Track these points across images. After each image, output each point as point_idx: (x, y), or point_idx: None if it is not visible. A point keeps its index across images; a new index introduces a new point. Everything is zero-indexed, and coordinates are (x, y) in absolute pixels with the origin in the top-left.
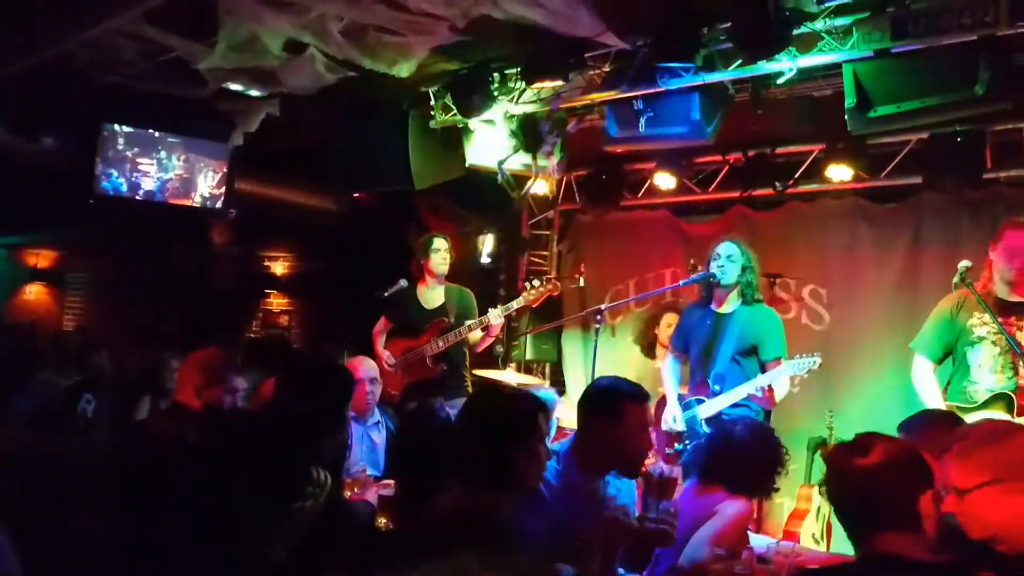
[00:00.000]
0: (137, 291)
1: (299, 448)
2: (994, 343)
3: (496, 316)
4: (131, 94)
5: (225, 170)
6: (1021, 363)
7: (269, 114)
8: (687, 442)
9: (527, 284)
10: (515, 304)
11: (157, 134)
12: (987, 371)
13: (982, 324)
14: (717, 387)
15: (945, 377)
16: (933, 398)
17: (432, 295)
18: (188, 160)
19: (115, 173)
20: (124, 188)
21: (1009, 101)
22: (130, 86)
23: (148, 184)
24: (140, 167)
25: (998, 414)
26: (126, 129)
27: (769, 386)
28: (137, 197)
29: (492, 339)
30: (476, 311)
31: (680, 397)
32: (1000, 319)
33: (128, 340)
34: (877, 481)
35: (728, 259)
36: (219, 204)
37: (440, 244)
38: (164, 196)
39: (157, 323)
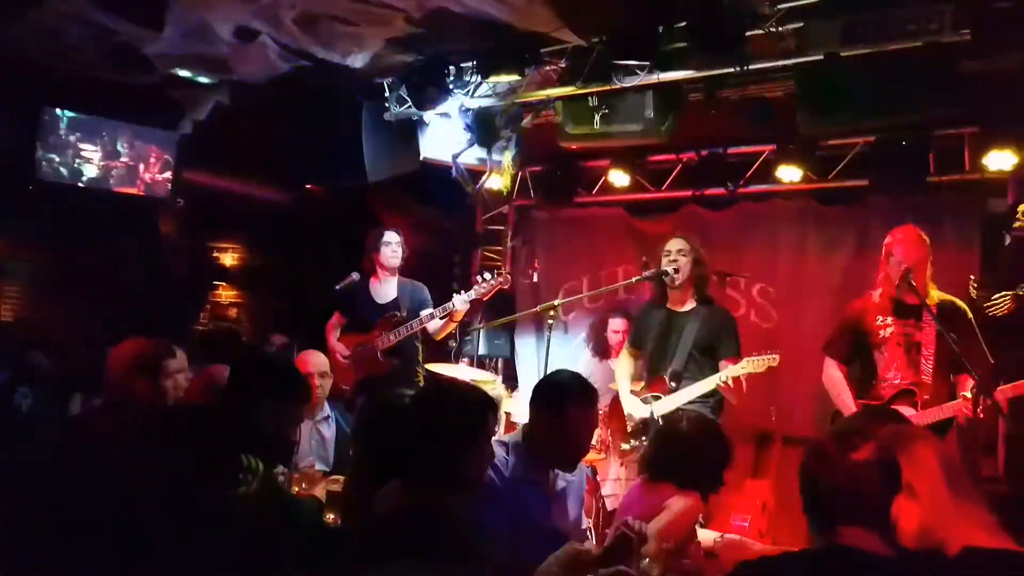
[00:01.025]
0: (79, 281)
1: (232, 440)
2: (898, 343)
3: (461, 302)
4: (75, 78)
5: (173, 158)
6: (922, 361)
7: (219, 102)
8: (642, 438)
9: (479, 277)
10: (465, 296)
11: (101, 120)
12: (892, 370)
13: (886, 326)
14: (673, 384)
15: (854, 377)
16: (843, 397)
17: (384, 289)
18: (134, 147)
19: (56, 159)
20: (66, 174)
21: (952, 108)
22: (74, 70)
23: (91, 171)
24: (83, 153)
25: (904, 408)
26: (68, 114)
27: (736, 377)
28: (80, 184)
29: (454, 324)
30: (431, 305)
31: (634, 394)
32: (901, 320)
33: (69, 332)
34: (866, 477)
35: (679, 253)
36: (166, 193)
37: (391, 237)
38: (108, 184)
39: (100, 315)
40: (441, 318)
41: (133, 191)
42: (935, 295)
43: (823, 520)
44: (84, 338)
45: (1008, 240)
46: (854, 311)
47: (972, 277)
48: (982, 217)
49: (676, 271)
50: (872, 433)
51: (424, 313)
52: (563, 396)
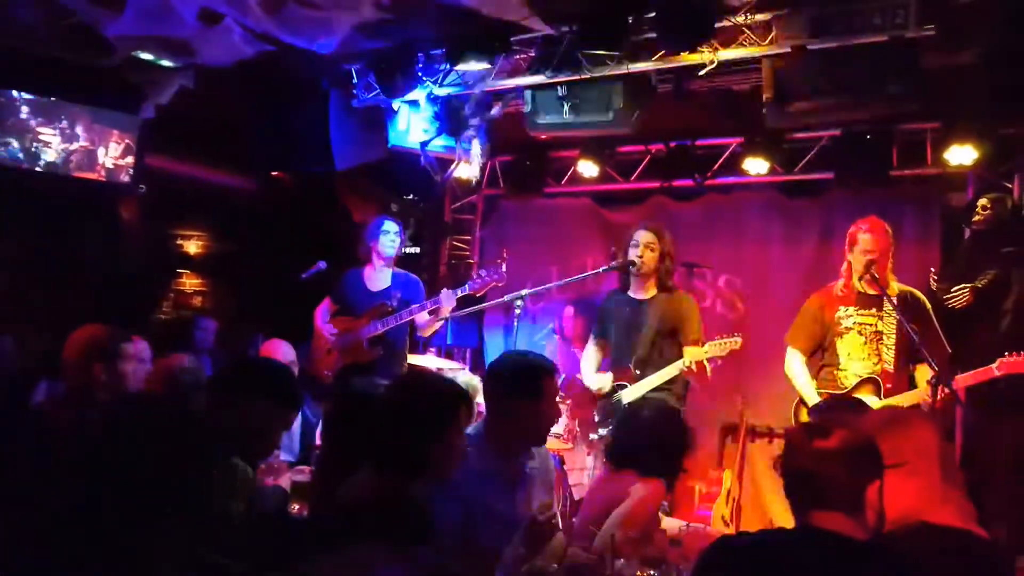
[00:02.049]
0: (36, 269)
1: (219, 438)
2: (859, 333)
3: (448, 297)
4: (33, 60)
5: (134, 143)
6: (884, 350)
7: (183, 86)
8: (609, 427)
9: (475, 274)
10: (458, 292)
11: (60, 103)
12: (855, 359)
13: (848, 316)
14: (638, 372)
15: (816, 366)
16: (806, 387)
17: (379, 278)
18: (94, 131)
19: (14, 142)
20: (23, 158)
21: (916, 102)
22: (31, 52)
23: (50, 155)
24: (41, 137)
25: (867, 397)
26: (26, 96)
27: (699, 361)
28: (37, 168)
29: (440, 321)
30: (423, 297)
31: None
32: (863, 310)
33: (27, 321)
34: (831, 463)
35: (647, 248)
36: (128, 178)
37: (390, 227)
38: (68, 168)
39: (59, 303)
40: (430, 312)
41: (93, 176)
42: (895, 286)
43: (797, 503)
44: (43, 326)
45: (968, 234)
46: (816, 302)
47: (932, 270)
48: (942, 211)
49: (640, 259)
50: (844, 422)
51: (415, 305)
52: (541, 376)
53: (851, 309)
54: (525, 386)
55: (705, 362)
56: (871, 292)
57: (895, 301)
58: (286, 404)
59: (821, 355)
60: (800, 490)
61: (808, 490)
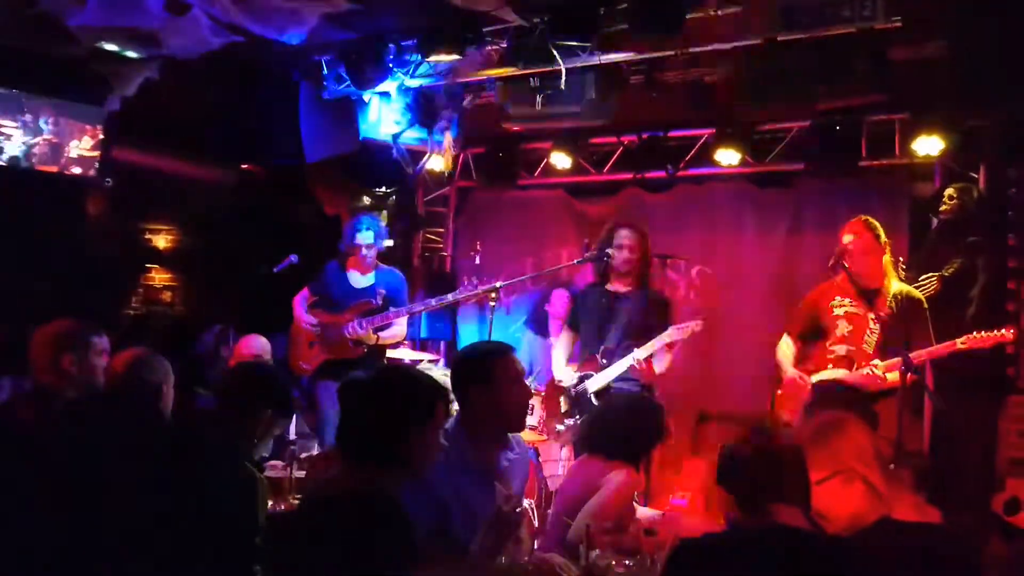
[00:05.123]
0: (3, 264)
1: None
2: (848, 321)
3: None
4: None
5: (100, 136)
6: (866, 335)
7: (149, 78)
8: (577, 417)
9: (465, 279)
10: (451, 297)
11: (23, 95)
12: (838, 342)
13: (840, 306)
14: (604, 361)
15: (804, 349)
16: (786, 371)
17: (363, 273)
18: (58, 124)
19: None
20: None
21: (884, 93)
22: None
23: (12, 149)
24: (3, 130)
25: (840, 372)
26: None
27: (648, 358)
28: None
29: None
30: (406, 294)
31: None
32: (855, 302)
33: None
34: (786, 459)
35: (630, 251)
36: (94, 172)
37: (365, 236)
38: (31, 162)
39: (24, 300)
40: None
41: (57, 170)
42: (894, 284)
43: (750, 497)
44: (7, 323)
45: (935, 223)
46: (817, 291)
47: (900, 259)
48: (910, 201)
49: (624, 259)
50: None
51: (395, 310)
52: (488, 359)
53: (847, 300)
54: (475, 371)
55: (666, 352)
56: (868, 287)
57: (891, 299)
58: (283, 413)
59: (812, 341)
60: (755, 483)
61: (766, 485)
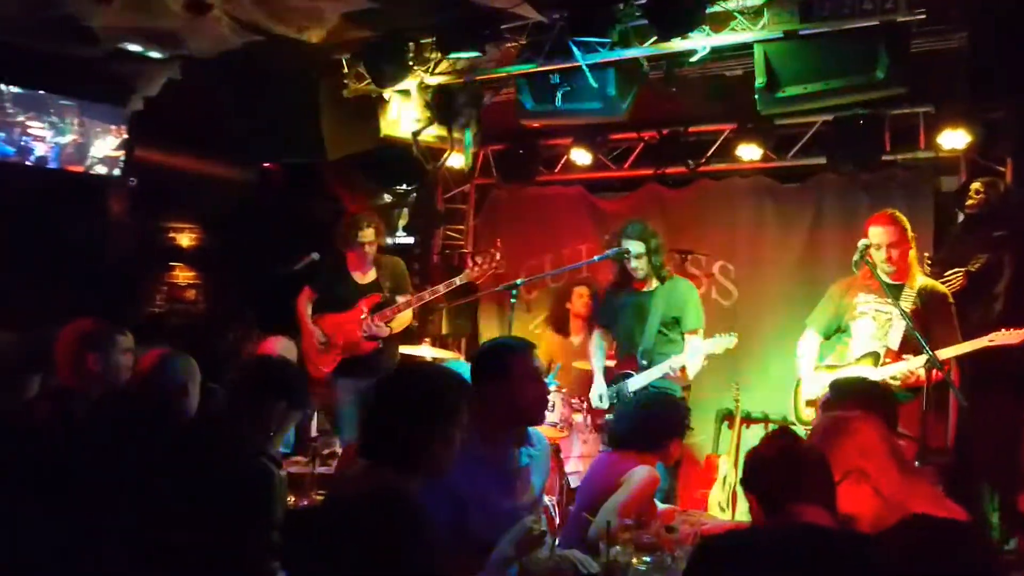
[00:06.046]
0: (27, 263)
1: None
2: (873, 318)
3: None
4: (20, 52)
5: (124, 136)
6: (891, 332)
7: (171, 78)
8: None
9: (471, 260)
10: (459, 280)
11: (50, 96)
12: (866, 338)
13: (866, 303)
14: (645, 362)
15: (828, 345)
16: (807, 366)
17: (365, 267)
18: (84, 124)
19: (3, 136)
20: (13, 152)
21: (906, 86)
22: (17, 43)
23: (41, 149)
24: (30, 131)
25: (866, 368)
26: (15, 90)
27: (682, 367)
28: (28, 163)
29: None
30: (408, 281)
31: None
32: (881, 299)
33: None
34: (810, 459)
35: (637, 259)
36: (118, 172)
37: (366, 234)
38: (58, 162)
39: (49, 298)
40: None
41: (83, 169)
42: (919, 279)
43: (772, 496)
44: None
45: (960, 218)
46: (842, 285)
47: (926, 254)
48: (935, 195)
49: (635, 269)
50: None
51: (402, 299)
52: (504, 354)
53: (871, 296)
54: (491, 366)
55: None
56: (893, 282)
57: (916, 294)
58: (300, 406)
59: (836, 336)
60: (777, 485)
61: (787, 485)
